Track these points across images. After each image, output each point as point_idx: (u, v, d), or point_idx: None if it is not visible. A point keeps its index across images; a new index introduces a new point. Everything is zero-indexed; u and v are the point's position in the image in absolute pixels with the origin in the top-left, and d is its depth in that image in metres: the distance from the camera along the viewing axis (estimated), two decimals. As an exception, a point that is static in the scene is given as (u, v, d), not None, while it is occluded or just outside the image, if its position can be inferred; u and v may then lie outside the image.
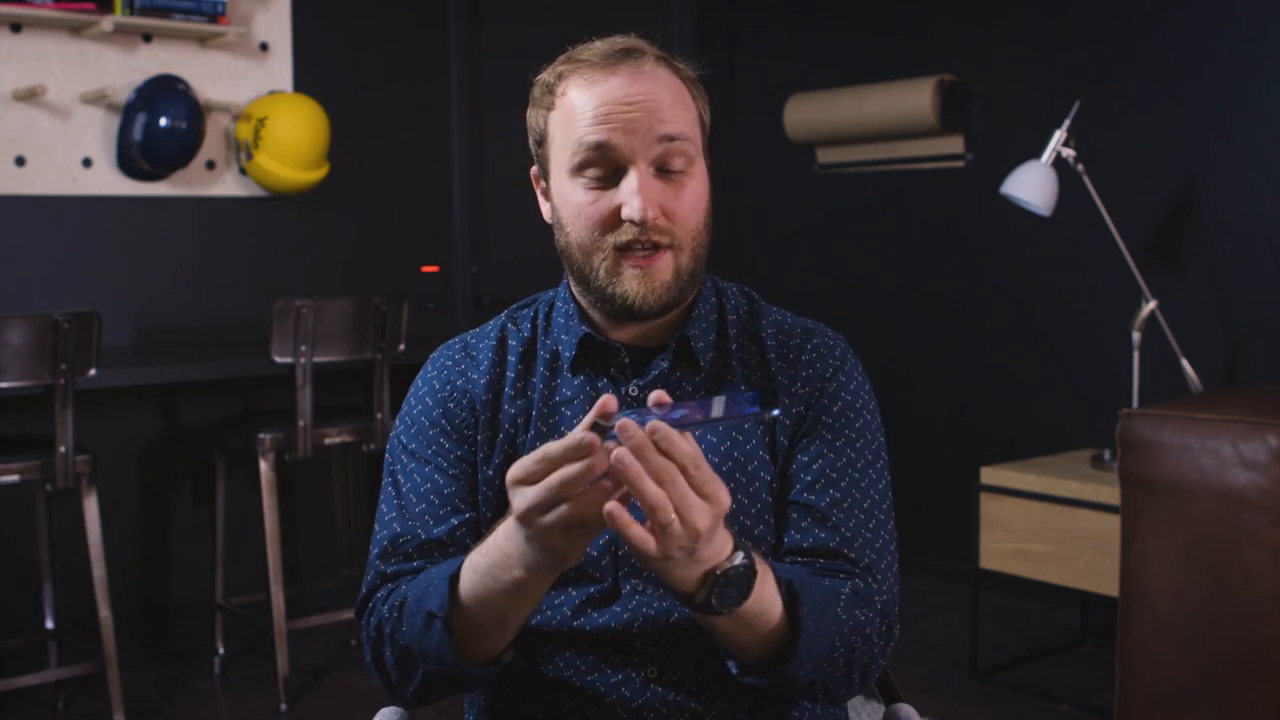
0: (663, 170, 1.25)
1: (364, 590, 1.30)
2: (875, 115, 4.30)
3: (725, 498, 1.02)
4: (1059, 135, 3.40)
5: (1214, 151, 3.63)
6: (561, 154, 1.27)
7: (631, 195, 1.23)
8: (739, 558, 1.07)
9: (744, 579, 1.08)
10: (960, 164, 4.24)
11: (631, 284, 1.25)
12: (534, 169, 1.36)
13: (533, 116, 1.32)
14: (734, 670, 1.20)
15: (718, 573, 1.07)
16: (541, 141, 1.31)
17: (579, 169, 1.25)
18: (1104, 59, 3.86)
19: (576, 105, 1.25)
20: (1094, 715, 3.21)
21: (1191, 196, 3.68)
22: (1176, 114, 3.70)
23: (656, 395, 1.01)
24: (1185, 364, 3.30)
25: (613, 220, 1.25)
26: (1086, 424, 3.79)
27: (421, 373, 1.39)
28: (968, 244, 4.27)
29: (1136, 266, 3.39)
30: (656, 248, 1.25)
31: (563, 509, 1.01)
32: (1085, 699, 3.30)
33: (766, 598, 1.13)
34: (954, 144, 4.24)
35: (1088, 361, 3.92)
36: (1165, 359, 3.45)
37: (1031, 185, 3.42)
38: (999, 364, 4.21)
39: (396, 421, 1.38)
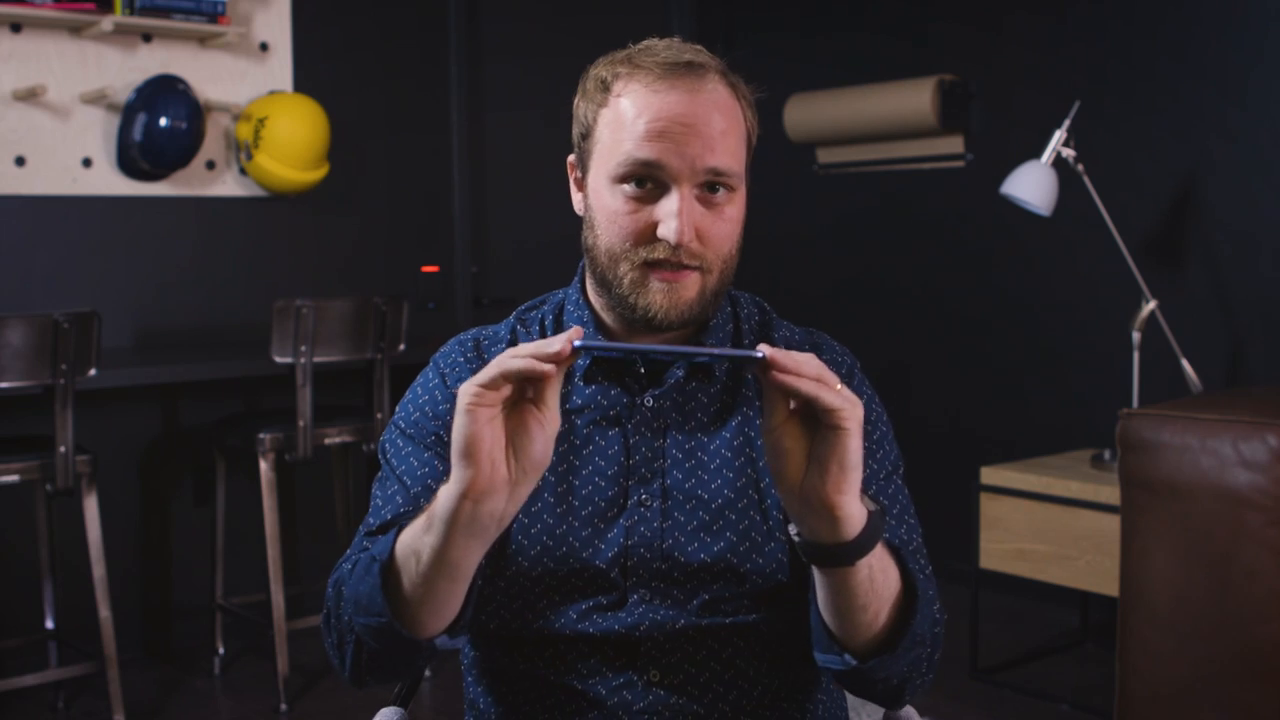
0: (705, 192, 1.23)
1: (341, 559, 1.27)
2: (875, 115, 4.30)
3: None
4: (1059, 135, 3.40)
5: (1214, 151, 3.63)
6: (606, 157, 1.24)
7: (670, 217, 1.21)
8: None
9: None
10: (960, 164, 4.24)
11: (656, 297, 1.24)
12: (571, 157, 1.32)
13: (582, 108, 1.28)
14: (853, 662, 1.17)
15: (867, 492, 1.08)
16: (586, 135, 1.28)
17: (622, 179, 1.23)
18: (1104, 59, 3.86)
19: (629, 113, 1.22)
20: (1094, 715, 3.21)
21: (1191, 196, 3.68)
22: (1176, 114, 3.70)
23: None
24: (1185, 364, 3.30)
25: (647, 234, 1.23)
26: (1086, 424, 3.79)
27: (431, 364, 1.36)
28: (968, 244, 4.27)
29: (1136, 266, 3.39)
30: (685, 267, 1.23)
31: (505, 390, 1.00)
32: (1085, 699, 3.30)
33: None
34: (954, 144, 4.23)
35: (1088, 361, 3.92)
36: (1165, 359, 3.45)
37: (1031, 185, 3.42)
38: (999, 364, 4.21)
39: (397, 409, 1.35)
